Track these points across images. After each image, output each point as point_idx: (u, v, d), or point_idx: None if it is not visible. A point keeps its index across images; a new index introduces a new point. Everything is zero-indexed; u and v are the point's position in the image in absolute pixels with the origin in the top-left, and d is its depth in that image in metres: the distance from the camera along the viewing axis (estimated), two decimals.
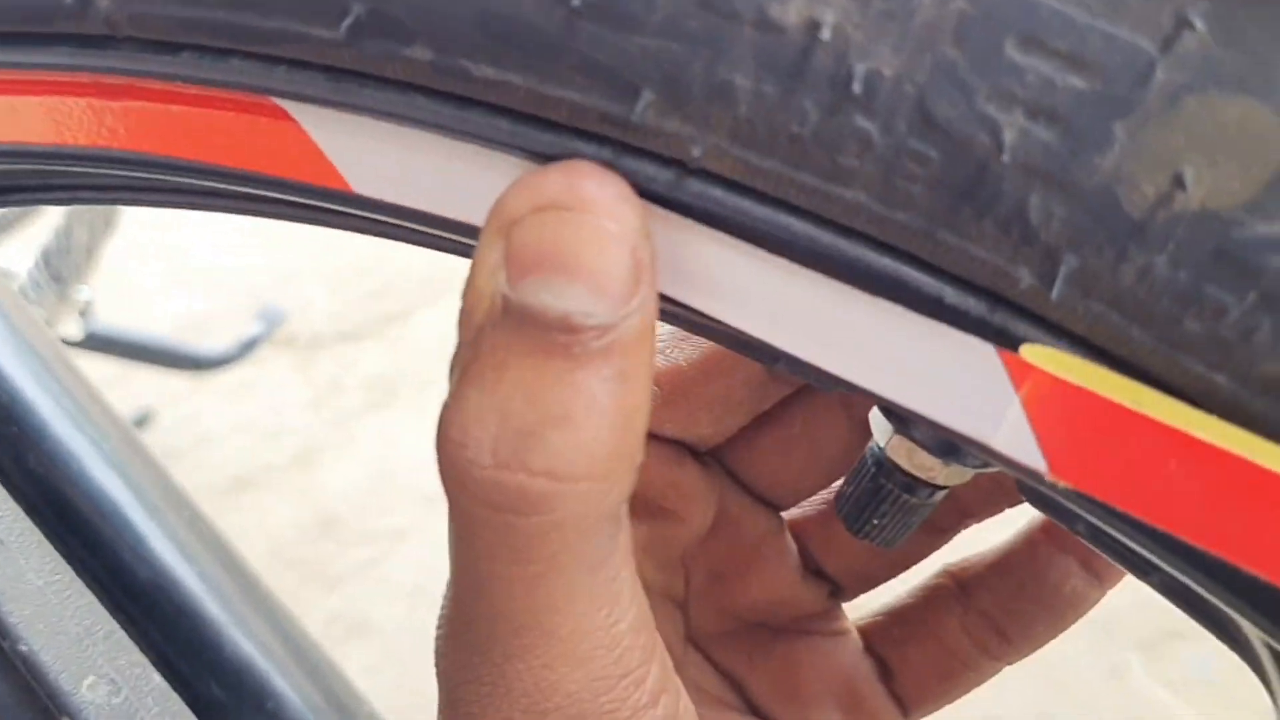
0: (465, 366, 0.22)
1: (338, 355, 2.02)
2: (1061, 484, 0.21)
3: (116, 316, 1.67)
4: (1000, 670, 0.33)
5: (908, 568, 0.34)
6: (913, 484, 0.26)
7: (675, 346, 0.31)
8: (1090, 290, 0.20)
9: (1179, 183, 0.19)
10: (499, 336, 0.21)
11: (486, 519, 0.22)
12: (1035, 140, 0.20)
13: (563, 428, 0.21)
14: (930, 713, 0.34)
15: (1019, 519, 0.32)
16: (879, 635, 0.34)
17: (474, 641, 0.23)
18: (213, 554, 0.55)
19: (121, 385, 1.87)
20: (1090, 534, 0.25)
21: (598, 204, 0.21)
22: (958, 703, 0.33)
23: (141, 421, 1.81)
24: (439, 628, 0.24)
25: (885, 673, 0.34)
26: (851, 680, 0.33)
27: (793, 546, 0.34)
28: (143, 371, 1.71)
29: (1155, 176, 0.19)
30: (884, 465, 0.26)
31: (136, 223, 2.17)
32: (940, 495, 0.27)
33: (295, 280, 2.17)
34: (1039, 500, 0.25)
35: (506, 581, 0.22)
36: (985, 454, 0.22)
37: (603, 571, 0.23)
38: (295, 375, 2.01)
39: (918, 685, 0.34)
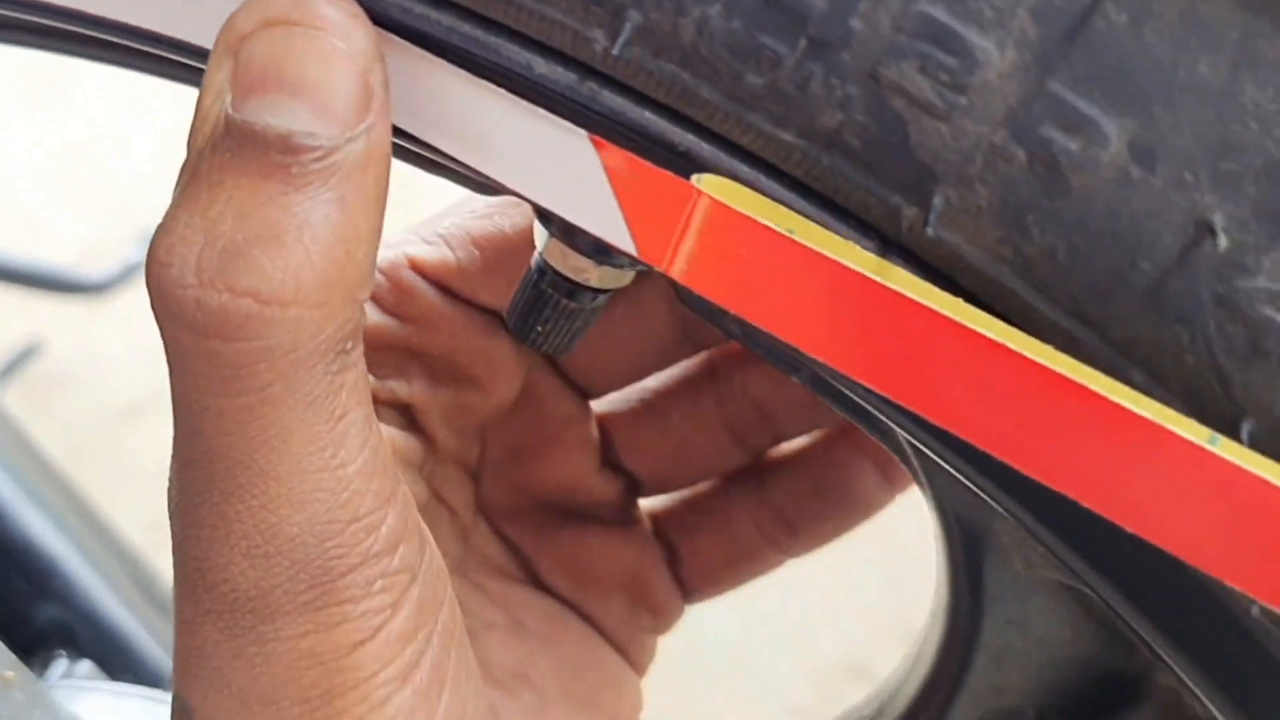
0: (182, 189, 0.21)
1: None
2: (650, 265, 0.21)
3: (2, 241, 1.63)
4: (781, 564, 0.33)
5: (709, 477, 0.33)
6: (571, 288, 0.26)
7: (503, 214, 0.30)
8: (658, 49, 0.20)
9: None
10: (218, 158, 0.20)
11: (194, 345, 0.21)
12: None
13: (271, 249, 0.20)
14: (709, 598, 0.34)
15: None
16: (671, 520, 0.34)
17: (194, 482, 0.22)
18: (11, 446, 0.54)
19: (15, 314, 1.83)
20: (741, 332, 0.25)
21: (328, 21, 0.20)
22: (812, 575, 0.33)
23: (32, 350, 1.78)
24: (170, 473, 0.23)
25: (672, 557, 0.33)
26: (638, 567, 0.33)
27: (595, 436, 0.33)
28: (35, 300, 1.68)
29: None
30: (543, 270, 0.26)
31: (29, 142, 2.12)
32: (601, 300, 0.26)
33: None
34: (684, 301, 0.25)
35: (218, 415, 0.21)
36: (585, 237, 0.22)
37: (323, 409, 0.22)
38: None
39: (703, 572, 0.33)
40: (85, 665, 0.47)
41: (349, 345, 0.22)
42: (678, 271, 0.21)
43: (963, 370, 0.19)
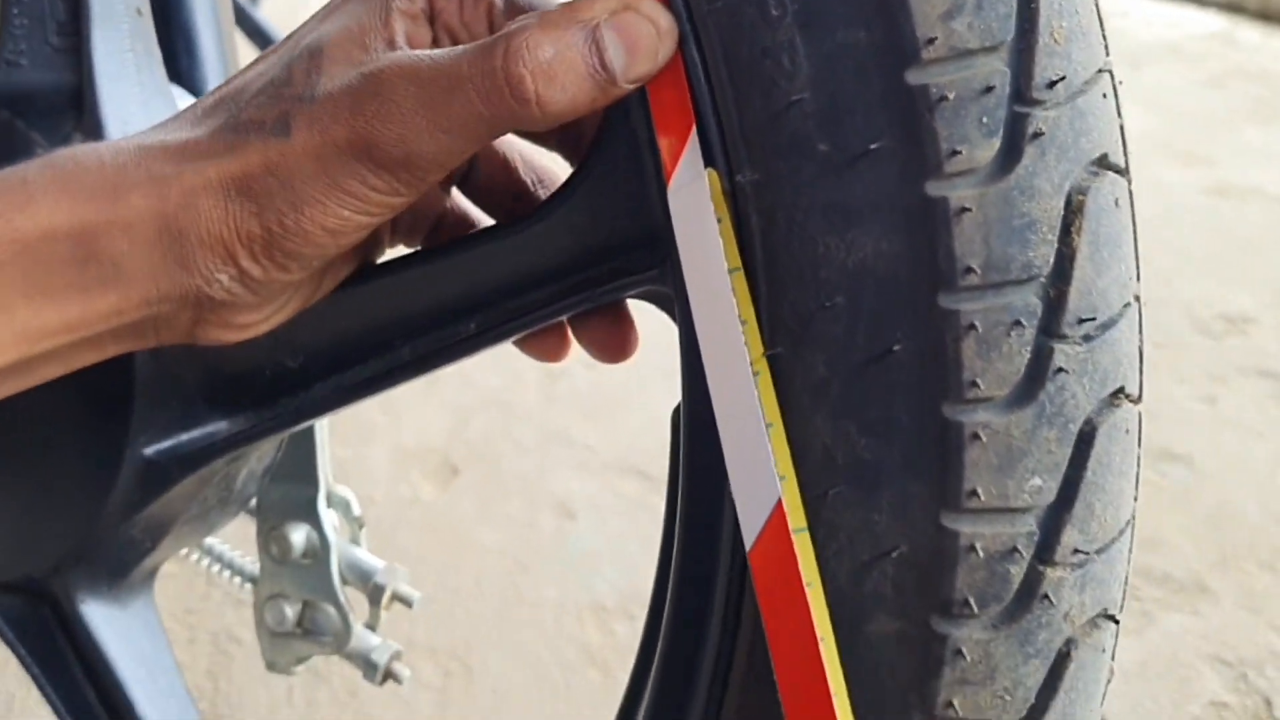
0: (557, 26, 0.38)
1: None
2: None
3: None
4: None
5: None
6: None
7: None
8: None
9: None
10: (579, 35, 0.38)
11: (496, 79, 0.37)
12: None
13: (557, 87, 0.37)
14: None
15: None
16: None
17: (419, 75, 0.38)
18: None
19: None
20: None
21: (668, 38, 0.38)
22: None
23: None
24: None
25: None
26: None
27: None
28: None
29: None
30: None
31: None
32: None
33: None
34: None
35: (464, 92, 0.38)
36: None
37: (477, 132, 0.39)
38: None
39: None
40: None
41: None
42: None
43: None
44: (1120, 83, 0.39)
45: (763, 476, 0.38)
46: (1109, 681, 0.40)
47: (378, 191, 0.40)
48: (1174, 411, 1.47)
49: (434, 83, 0.38)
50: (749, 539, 0.38)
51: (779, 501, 0.38)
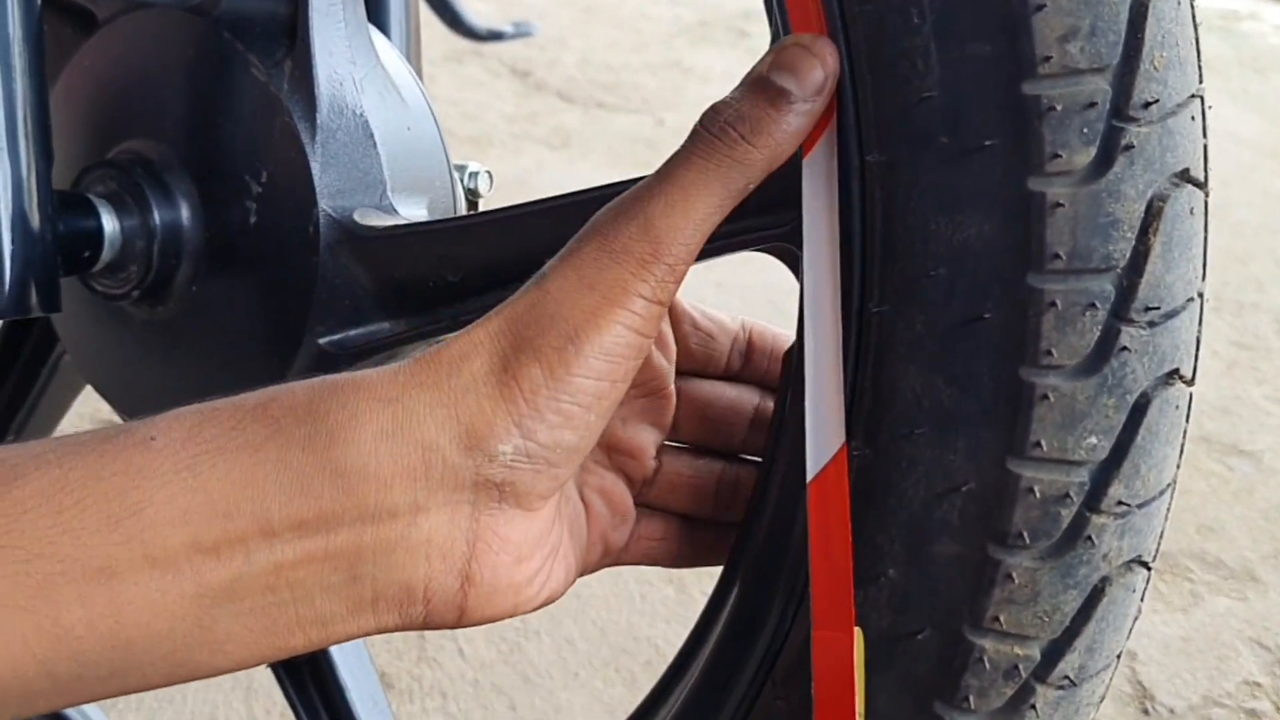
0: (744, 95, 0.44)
1: (550, 102, 2.33)
2: None
3: None
4: None
5: None
6: None
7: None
8: None
9: None
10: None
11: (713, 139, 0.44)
12: None
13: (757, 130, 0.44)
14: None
15: None
16: None
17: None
18: None
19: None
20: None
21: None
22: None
23: None
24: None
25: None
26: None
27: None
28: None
29: None
30: None
31: None
32: None
33: (569, 44, 2.49)
34: None
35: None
36: None
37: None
38: (511, 89, 2.33)
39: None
40: None
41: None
42: None
43: None
44: (1209, 106, 0.44)
45: (834, 420, 0.44)
46: (1136, 619, 0.46)
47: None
48: (1249, 410, 1.50)
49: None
50: (812, 470, 0.44)
51: (844, 446, 0.44)
